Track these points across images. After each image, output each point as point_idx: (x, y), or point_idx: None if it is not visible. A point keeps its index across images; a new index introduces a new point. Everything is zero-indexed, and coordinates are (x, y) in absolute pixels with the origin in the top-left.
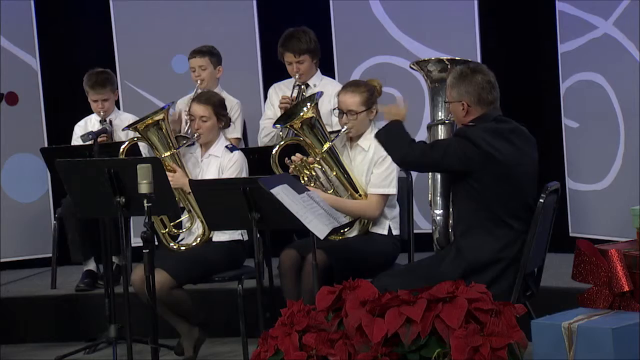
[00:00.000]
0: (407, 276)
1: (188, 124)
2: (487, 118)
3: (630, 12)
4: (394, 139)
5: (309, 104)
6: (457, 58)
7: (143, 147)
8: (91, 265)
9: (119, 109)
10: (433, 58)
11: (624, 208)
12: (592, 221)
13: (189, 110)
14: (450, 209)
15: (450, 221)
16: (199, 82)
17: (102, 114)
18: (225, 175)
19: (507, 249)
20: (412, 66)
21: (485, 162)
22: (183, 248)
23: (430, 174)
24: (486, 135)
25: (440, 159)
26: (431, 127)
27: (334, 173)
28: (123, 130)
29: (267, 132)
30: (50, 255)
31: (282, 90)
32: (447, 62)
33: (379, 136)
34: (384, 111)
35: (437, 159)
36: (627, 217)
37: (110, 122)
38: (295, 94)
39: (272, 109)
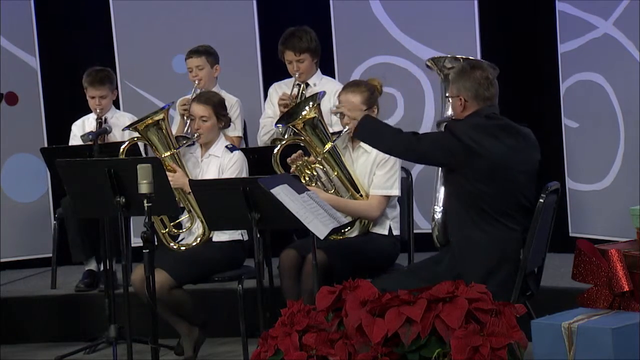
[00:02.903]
0: (406, 278)
1: (188, 124)
2: (479, 114)
3: (630, 12)
4: (374, 133)
5: (311, 104)
6: (470, 57)
7: (143, 146)
8: (92, 265)
9: (118, 108)
10: (449, 55)
11: (624, 208)
12: (592, 221)
13: (189, 110)
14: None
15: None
16: (196, 82)
17: (98, 111)
18: (225, 175)
19: (500, 246)
20: (428, 64)
21: (468, 156)
22: (183, 248)
23: (436, 170)
24: (470, 130)
25: (425, 151)
26: (440, 124)
27: (335, 173)
28: (123, 130)
29: (266, 131)
30: (50, 255)
31: (282, 90)
32: (461, 60)
33: (358, 136)
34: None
35: (422, 151)
36: (627, 217)
37: (106, 120)
38: (295, 92)
39: (272, 108)
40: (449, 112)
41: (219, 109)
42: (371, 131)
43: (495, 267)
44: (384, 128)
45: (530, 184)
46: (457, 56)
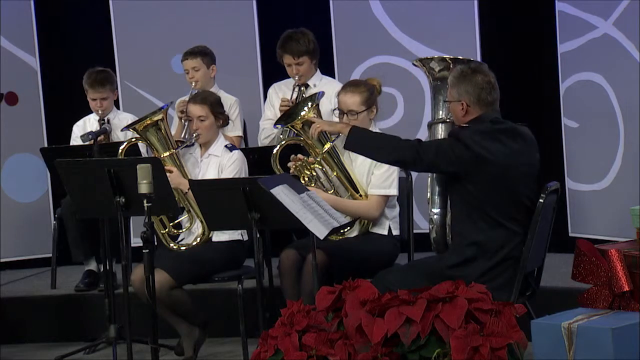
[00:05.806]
0: (407, 273)
1: (185, 127)
2: (484, 119)
3: (630, 12)
4: (372, 143)
5: (309, 104)
6: (459, 57)
7: (143, 146)
8: (92, 265)
9: (118, 108)
10: (436, 56)
11: (624, 208)
12: (592, 221)
13: (186, 111)
14: (449, 211)
15: (448, 222)
16: (193, 83)
17: (100, 112)
18: (225, 174)
19: (502, 249)
20: (415, 63)
21: (476, 163)
22: (183, 248)
23: (429, 173)
24: (477, 136)
25: (432, 161)
26: (432, 126)
27: (335, 173)
28: (122, 130)
29: (267, 134)
30: (50, 255)
31: (282, 91)
32: (449, 61)
33: (350, 147)
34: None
35: (429, 161)
36: (627, 217)
37: (108, 121)
38: (295, 96)
39: (272, 110)
40: (441, 114)
41: (216, 107)
42: (366, 142)
43: (497, 269)
44: (380, 138)
45: (533, 185)
46: (444, 56)
